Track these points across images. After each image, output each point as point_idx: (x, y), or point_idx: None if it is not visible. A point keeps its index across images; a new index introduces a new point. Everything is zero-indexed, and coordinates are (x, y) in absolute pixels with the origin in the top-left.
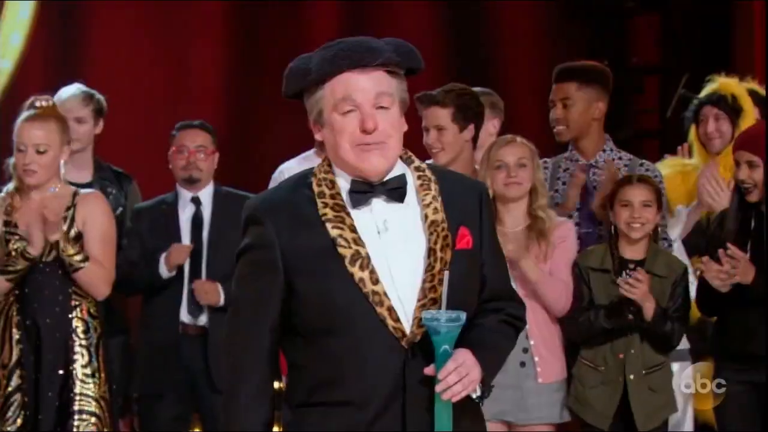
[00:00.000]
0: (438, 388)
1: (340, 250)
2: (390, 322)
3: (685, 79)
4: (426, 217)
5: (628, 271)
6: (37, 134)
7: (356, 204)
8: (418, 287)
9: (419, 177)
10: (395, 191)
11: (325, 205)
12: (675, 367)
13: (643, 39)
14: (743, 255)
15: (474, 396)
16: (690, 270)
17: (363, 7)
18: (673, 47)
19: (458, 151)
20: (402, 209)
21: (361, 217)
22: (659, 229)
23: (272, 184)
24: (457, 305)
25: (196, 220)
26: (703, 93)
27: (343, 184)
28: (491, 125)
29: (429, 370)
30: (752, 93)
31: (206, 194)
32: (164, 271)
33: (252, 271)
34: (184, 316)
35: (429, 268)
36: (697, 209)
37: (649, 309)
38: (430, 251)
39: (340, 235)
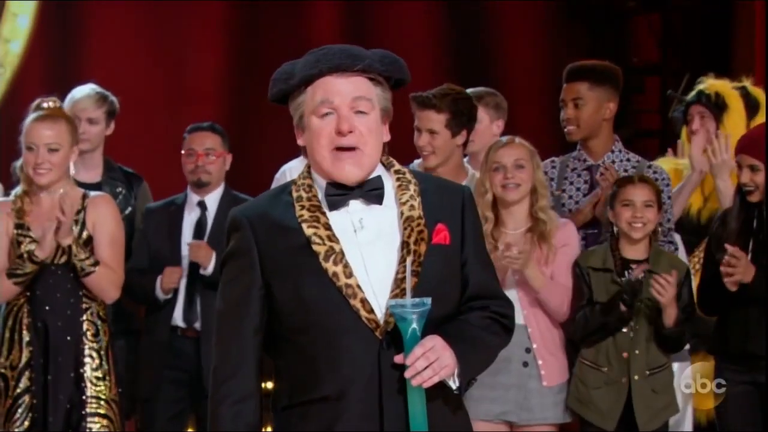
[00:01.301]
0: (407, 373)
1: (315, 247)
2: (364, 314)
3: (686, 80)
4: (402, 214)
5: (630, 270)
6: (48, 134)
7: (333, 206)
8: (392, 280)
9: (398, 179)
10: (372, 193)
11: (302, 207)
12: (675, 366)
13: (644, 39)
14: (743, 254)
15: (453, 387)
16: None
17: (364, 7)
18: (673, 47)
19: (448, 155)
20: (378, 210)
21: (337, 216)
22: (664, 231)
23: (275, 184)
24: (434, 299)
25: (200, 225)
26: (691, 94)
27: (321, 186)
28: (495, 126)
29: (399, 359)
30: (745, 92)
31: (213, 198)
32: (160, 294)
33: (233, 276)
34: (179, 320)
35: (402, 260)
36: (689, 181)
37: (671, 315)
38: (404, 244)
39: (315, 233)
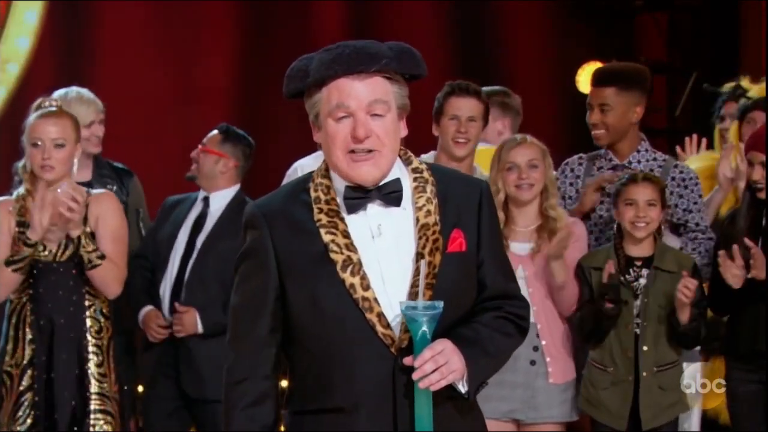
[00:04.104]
0: (415, 375)
1: (332, 255)
2: (380, 329)
3: (693, 78)
4: (418, 220)
5: (635, 268)
6: (54, 129)
7: (351, 209)
8: (408, 292)
9: (416, 179)
10: (391, 195)
11: (320, 210)
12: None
13: (651, 37)
14: (759, 250)
15: (462, 391)
16: None
17: (371, 7)
18: (680, 46)
19: (475, 147)
20: (397, 213)
21: (355, 221)
22: (702, 229)
23: (285, 181)
24: (450, 307)
25: (199, 220)
26: (727, 88)
27: (339, 188)
28: (500, 124)
29: (408, 360)
30: (740, 89)
31: (219, 197)
32: (139, 317)
33: (248, 274)
34: (168, 315)
35: (416, 273)
36: (717, 193)
37: (685, 314)
38: (419, 256)
39: (333, 241)
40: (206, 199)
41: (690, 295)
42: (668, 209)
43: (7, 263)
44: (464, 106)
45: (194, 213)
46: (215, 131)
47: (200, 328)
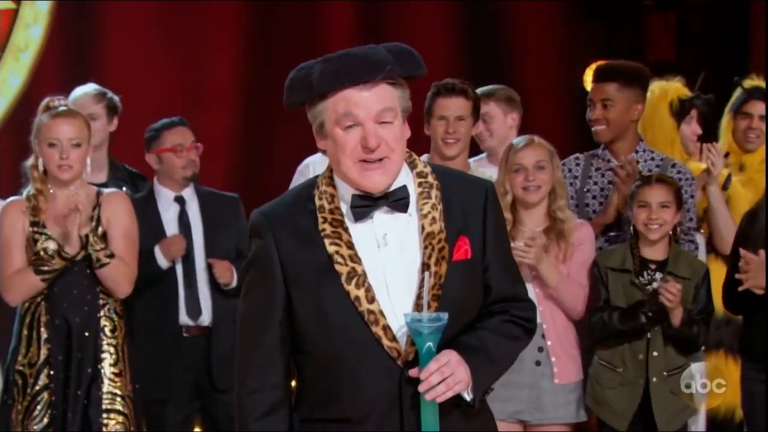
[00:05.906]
0: (421, 387)
1: (337, 267)
2: (385, 342)
3: (701, 78)
4: (423, 228)
5: (650, 271)
6: (70, 129)
7: (357, 218)
8: (413, 303)
9: (420, 184)
10: (398, 202)
11: (324, 219)
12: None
13: (660, 37)
14: (756, 259)
15: (468, 399)
16: None
17: (379, 7)
18: (689, 45)
19: (466, 145)
20: (403, 221)
21: (361, 229)
22: (684, 230)
23: (297, 177)
24: (456, 315)
25: (184, 219)
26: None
27: (344, 196)
28: (510, 119)
29: (414, 372)
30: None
31: (188, 192)
32: (163, 262)
33: (255, 284)
34: (184, 318)
35: (422, 284)
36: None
37: (677, 316)
38: (424, 266)
39: (337, 252)
40: (179, 198)
41: (672, 299)
42: (686, 212)
43: (38, 272)
44: (451, 106)
45: (171, 215)
46: (186, 126)
47: (234, 281)
